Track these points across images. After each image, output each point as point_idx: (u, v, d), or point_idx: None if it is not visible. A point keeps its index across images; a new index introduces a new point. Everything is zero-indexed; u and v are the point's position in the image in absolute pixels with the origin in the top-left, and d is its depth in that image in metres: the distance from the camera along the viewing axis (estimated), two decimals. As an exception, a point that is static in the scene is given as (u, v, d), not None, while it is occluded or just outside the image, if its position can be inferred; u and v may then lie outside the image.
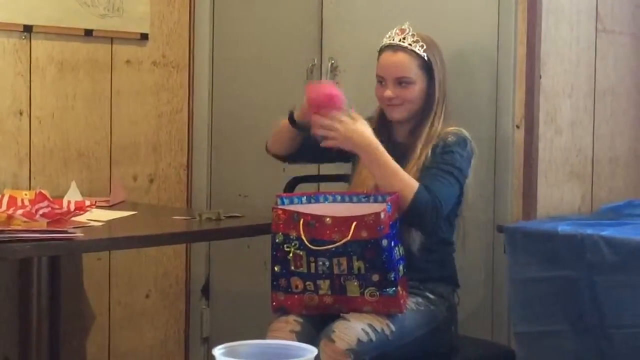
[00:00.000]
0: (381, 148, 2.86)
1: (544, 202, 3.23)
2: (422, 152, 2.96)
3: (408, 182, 2.85)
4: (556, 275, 2.88)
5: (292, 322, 2.82)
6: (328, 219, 2.74)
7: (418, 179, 2.89)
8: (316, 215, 2.76)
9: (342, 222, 2.73)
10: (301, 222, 2.75)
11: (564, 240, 2.85)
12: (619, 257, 2.75)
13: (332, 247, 2.73)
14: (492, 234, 3.21)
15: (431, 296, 2.97)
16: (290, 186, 3.36)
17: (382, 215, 2.71)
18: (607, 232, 2.81)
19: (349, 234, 2.72)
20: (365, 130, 2.87)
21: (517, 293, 2.96)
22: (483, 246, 3.17)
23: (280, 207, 2.82)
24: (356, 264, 2.74)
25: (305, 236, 2.74)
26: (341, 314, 2.78)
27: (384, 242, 2.72)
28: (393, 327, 2.78)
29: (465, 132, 3.00)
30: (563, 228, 2.88)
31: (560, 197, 3.31)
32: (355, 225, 2.71)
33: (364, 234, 2.71)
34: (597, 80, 3.44)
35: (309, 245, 2.74)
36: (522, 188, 3.21)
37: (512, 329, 3.02)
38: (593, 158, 3.44)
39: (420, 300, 2.94)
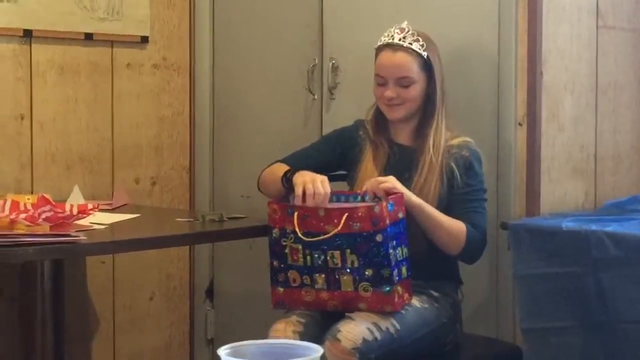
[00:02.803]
0: (424, 202, 2.90)
1: (547, 199, 3.23)
2: (434, 158, 2.97)
3: (457, 228, 2.92)
4: (561, 271, 2.87)
5: (295, 322, 2.83)
6: (321, 211, 2.77)
7: (438, 188, 2.94)
8: (310, 208, 2.79)
9: (334, 214, 2.76)
10: (295, 215, 2.78)
11: (568, 236, 2.85)
12: (624, 252, 2.75)
13: (322, 238, 2.75)
14: (495, 231, 3.20)
15: (435, 294, 2.98)
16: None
17: (376, 209, 2.73)
18: (611, 228, 2.80)
19: (339, 225, 2.73)
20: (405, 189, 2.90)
21: (522, 290, 2.95)
22: (487, 243, 3.15)
23: (275, 202, 2.86)
24: (350, 257, 2.76)
25: (299, 228, 2.77)
26: (346, 314, 2.78)
27: (378, 237, 2.73)
28: (398, 326, 2.78)
29: (473, 143, 3.03)
30: (567, 224, 2.88)
31: (563, 193, 3.30)
32: (346, 217, 2.74)
33: (356, 227, 2.74)
34: (599, 77, 3.43)
35: (302, 237, 2.77)
36: (525, 185, 3.21)
37: (519, 325, 3.01)
38: (596, 154, 3.43)
39: (424, 298, 2.94)
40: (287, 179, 2.95)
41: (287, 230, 2.81)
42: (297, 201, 2.82)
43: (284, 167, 3.02)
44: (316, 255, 2.79)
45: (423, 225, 2.91)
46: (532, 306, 2.92)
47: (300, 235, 2.78)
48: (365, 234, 2.74)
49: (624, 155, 3.56)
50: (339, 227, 2.75)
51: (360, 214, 2.74)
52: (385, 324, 2.76)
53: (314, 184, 2.82)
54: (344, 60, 3.61)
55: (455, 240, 2.92)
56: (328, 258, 2.78)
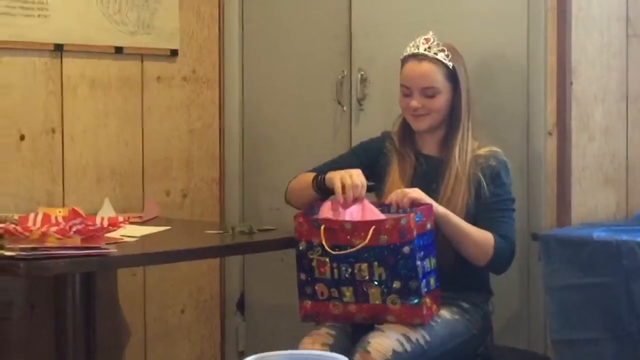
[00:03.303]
0: (450, 212, 2.90)
1: (578, 209, 3.21)
2: (461, 169, 2.96)
3: (484, 239, 2.91)
4: (592, 282, 2.85)
5: (325, 334, 2.83)
6: (347, 224, 2.77)
7: (466, 198, 2.93)
8: (336, 221, 2.79)
9: (361, 227, 2.76)
10: (322, 228, 2.78)
11: (599, 246, 2.83)
12: (655, 262, 2.73)
13: (350, 252, 2.74)
14: (526, 242, 3.18)
15: (465, 305, 2.96)
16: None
17: (403, 221, 2.72)
18: (642, 238, 2.78)
19: (367, 238, 2.72)
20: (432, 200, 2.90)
21: (553, 301, 2.94)
22: (517, 254, 3.14)
23: (301, 215, 2.86)
24: (377, 270, 2.75)
25: (326, 242, 2.77)
26: (375, 326, 2.77)
27: (406, 249, 2.72)
28: (428, 337, 2.77)
29: (500, 152, 3.02)
30: (598, 234, 2.86)
31: (594, 204, 3.28)
32: (373, 230, 2.73)
33: (383, 240, 2.73)
34: (630, 85, 3.41)
35: (329, 250, 2.77)
36: (555, 195, 3.20)
37: (550, 337, 2.99)
38: (627, 164, 3.41)
39: (455, 309, 2.93)
40: (319, 182, 2.95)
41: (314, 244, 2.80)
42: (338, 197, 2.82)
43: (312, 175, 3.03)
44: (343, 268, 2.78)
45: (449, 236, 2.90)
46: (563, 317, 2.90)
47: (327, 248, 2.78)
48: (392, 246, 2.73)
49: (656, 164, 3.54)
50: (367, 240, 2.74)
51: (387, 226, 2.74)
52: (415, 335, 2.75)
53: (351, 178, 2.83)
54: (372, 71, 3.61)
55: (483, 251, 2.90)
56: (355, 271, 2.77)
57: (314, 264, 2.82)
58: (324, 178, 2.95)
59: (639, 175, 3.46)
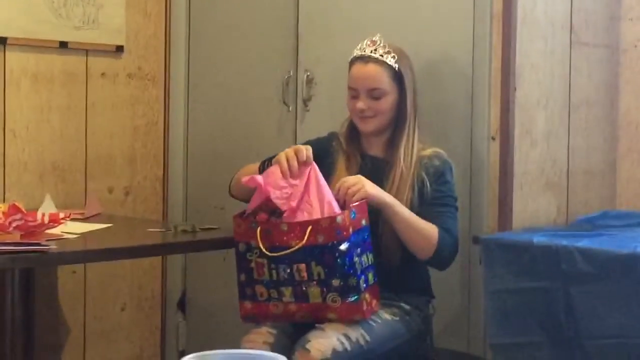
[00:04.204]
0: (397, 202, 2.90)
1: (519, 214, 3.24)
2: (405, 169, 2.97)
3: (429, 230, 2.91)
4: (532, 286, 2.88)
5: (265, 333, 2.83)
6: (284, 225, 2.77)
7: (410, 198, 2.94)
8: (272, 222, 2.79)
9: (298, 227, 2.75)
10: (258, 230, 2.78)
11: (540, 251, 2.86)
12: (594, 268, 2.76)
13: (287, 252, 2.75)
14: (468, 245, 3.20)
15: (406, 307, 2.98)
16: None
17: (339, 219, 2.73)
18: (582, 243, 2.82)
19: (304, 238, 2.72)
20: (377, 188, 2.89)
21: (492, 304, 2.96)
22: (459, 257, 3.16)
23: (239, 216, 2.85)
24: (315, 269, 2.75)
25: (262, 244, 2.77)
26: (316, 325, 2.78)
27: (343, 247, 2.73)
28: (368, 337, 2.78)
29: (444, 153, 3.04)
30: (538, 239, 2.89)
31: (535, 208, 3.31)
32: (310, 230, 2.73)
33: (321, 239, 2.73)
34: (572, 92, 3.45)
35: (266, 252, 2.76)
36: (497, 199, 3.21)
37: (488, 340, 3.02)
38: (568, 170, 3.45)
39: (395, 310, 2.95)
40: (265, 167, 2.96)
41: (252, 245, 2.80)
42: (282, 166, 2.80)
43: (258, 163, 3.05)
44: (282, 270, 2.77)
45: (395, 226, 2.90)
46: (502, 321, 2.92)
47: (264, 250, 2.77)
48: (329, 244, 2.73)
49: (596, 170, 3.58)
50: (304, 241, 2.74)
51: (323, 225, 2.74)
52: (355, 334, 2.76)
53: (293, 149, 2.84)
54: (318, 72, 3.61)
55: (428, 242, 2.91)
56: (294, 271, 2.76)
57: (252, 265, 2.81)
58: (270, 163, 2.94)
59: (580, 181, 3.50)
